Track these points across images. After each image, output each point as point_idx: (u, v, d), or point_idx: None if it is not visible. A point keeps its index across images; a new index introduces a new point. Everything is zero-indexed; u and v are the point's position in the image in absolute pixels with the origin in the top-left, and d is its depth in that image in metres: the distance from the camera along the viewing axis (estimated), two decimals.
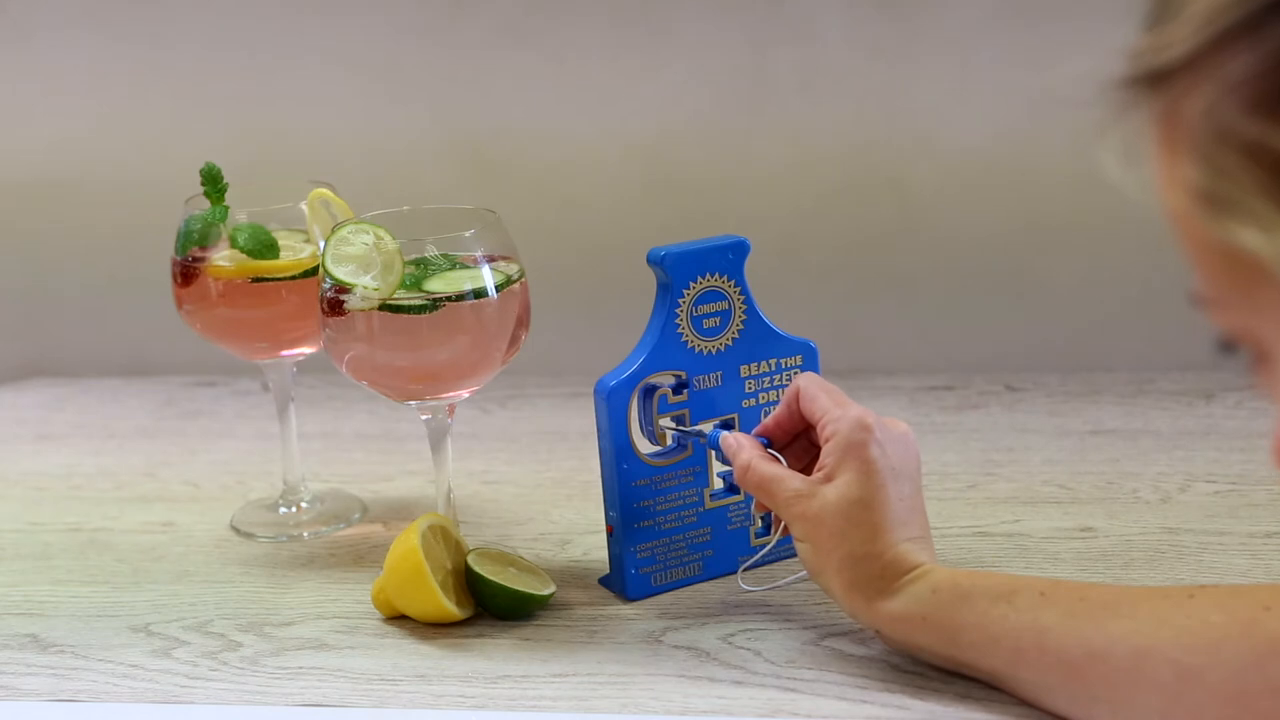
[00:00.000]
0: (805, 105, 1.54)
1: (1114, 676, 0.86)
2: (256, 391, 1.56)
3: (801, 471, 1.02)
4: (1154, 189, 0.61)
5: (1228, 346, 0.62)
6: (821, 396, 1.02)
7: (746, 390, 1.12)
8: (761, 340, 1.12)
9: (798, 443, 1.06)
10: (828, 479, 0.99)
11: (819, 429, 1.01)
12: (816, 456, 1.01)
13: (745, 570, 1.10)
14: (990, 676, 0.93)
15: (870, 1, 1.51)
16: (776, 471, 1.02)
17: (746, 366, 1.12)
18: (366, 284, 1.07)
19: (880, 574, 0.97)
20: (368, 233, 1.08)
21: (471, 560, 1.08)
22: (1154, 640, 0.85)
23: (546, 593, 1.08)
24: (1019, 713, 0.92)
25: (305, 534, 1.25)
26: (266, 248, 1.19)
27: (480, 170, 1.59)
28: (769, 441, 1.06)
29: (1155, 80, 0.58)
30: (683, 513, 1.11)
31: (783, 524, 1.04)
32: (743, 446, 1.04)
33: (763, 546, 1.13)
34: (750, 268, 1.11)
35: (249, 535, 1.25)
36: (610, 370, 1.09)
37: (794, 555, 1.12)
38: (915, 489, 1.00)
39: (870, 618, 0.97)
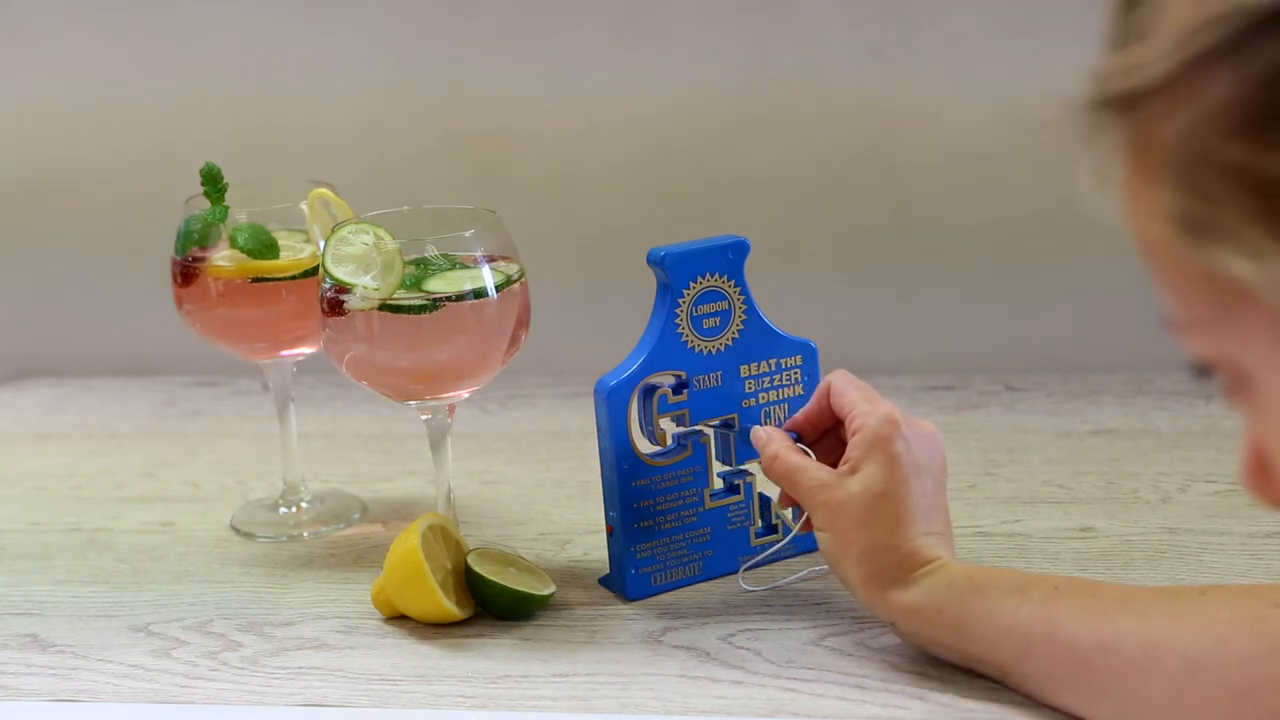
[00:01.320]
0: (805, 105, 1.54)
1: (1122, 669, 0.86)
2: (256, 391, 1.56)
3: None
4: (1124, 214, 0.60)
5: (1203, 372, 0.62)
6: (851, 391, 1.04)
7: (746, 390, 1.12)
8: (761, 340, 1.12)
9: (826, 439, 1.07)
10: (853, 471, 1.00)
11: (847, 423, 1.03)
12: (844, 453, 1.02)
13: (747, 569, 1.10)
14: (1000, 670, 0.93)
15: (871, 1, 1.51)
16: (803, 462, 1.03)
17: (746, 366, 1.12)
18: (366, 284, 1.07)
19: (898, 565, 0.97)
20: (368, 233, 1.08)
21: (471, 560, 1.08)
22: (1163, 634, 0.86)
23: (546, 593, 1.08)
24: (1019, 712, 0.92)
25: (305, 534, 1.25)
26: (266, 248, 1.19)
27: (480, 170, 1.59)
28: (798, 436, 1.07)
29: (1125, 104, 0.57)
30: (683, 513, 1.11)
31: (804, 517, 1.05)
32: (772, 438, 1.06)
33: (763, 547, 1.13)
34: (750, 268, 1.11)
35: (249, 535, 1.25)
36: (610, 370, 1.09)
37: (794, 555, 1.13)
38: (938, 487, 1.01)
39: (885, 609, 0.98)
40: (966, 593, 0.95)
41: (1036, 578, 0.95)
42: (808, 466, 1.03)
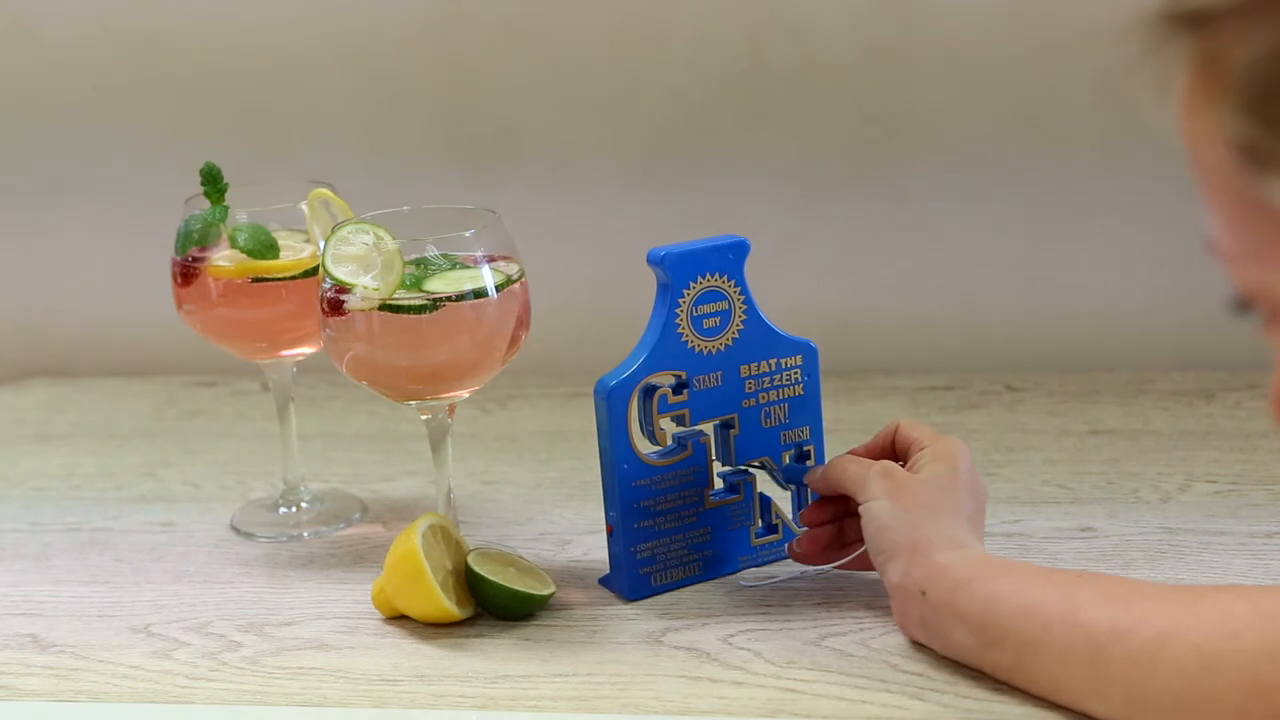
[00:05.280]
0: (805, 103, 1.54)
1: (1136, 656, 0.87)
2: (256, 391, 1.56)
3: None
4: (1180, 132, 0.58)
5: (1242, 306, 0.60)
6: (923, 427, 1.08)
7: (746, 390, 1.12)
8: (761, 340, 1.12)
9: None
10: (914, 471, 1.04)
11: (914, 446, 1.06)
12: None
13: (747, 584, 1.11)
14: (1015, 656, 0.93)
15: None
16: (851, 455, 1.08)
17: (746, 366, 1.12)
18: (366, 284, 1.07)
19: (946, 539, 0.99)
20: (368, 233, 1.08)
21: (471, 560, 1.08)
22: (1177, 624, 0.86)
23: (546, 593, 1.08)
24: (1020, 713, 0.92)
25: (305, 534, 1.25)
26: (266, 248, 1.19)
27: (480, 170, 1.59)
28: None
29: (1198, 20, 0.56)
30: (683, 513, 1.11)
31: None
32: (817, 466, 1.10)
33: (764, 546, 1.13)
34: (750, 268, 1.11)
35: (249, 535, 1.25)
36: (610, 370, 1.09)
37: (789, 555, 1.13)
38: (979, 523, 1.04)
39: (925, 569, 0.98)
40: (998, 571, 0.96)
41: (1065, 569, 0.99)
42: (863, 459, 1.07)
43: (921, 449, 1.06)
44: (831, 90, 1.52)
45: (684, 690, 0.98)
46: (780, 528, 1.14)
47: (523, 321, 1.11)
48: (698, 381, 1.10)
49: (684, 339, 1.10)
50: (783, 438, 1.13)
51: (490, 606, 1.07)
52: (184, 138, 1.60)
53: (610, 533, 1.10)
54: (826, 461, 1.10)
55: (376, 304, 1.07)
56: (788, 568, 1.12)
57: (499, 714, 0.97)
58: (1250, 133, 0.55)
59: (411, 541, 1.07)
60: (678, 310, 1.09)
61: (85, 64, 1.62)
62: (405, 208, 1.14)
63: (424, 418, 1.13)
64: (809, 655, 1.01)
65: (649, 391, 1.09)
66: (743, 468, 1.13)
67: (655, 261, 1.09)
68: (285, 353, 1.23)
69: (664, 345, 1.09)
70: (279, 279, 1.19)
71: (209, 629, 1.10)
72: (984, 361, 1.54)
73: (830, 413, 1.16)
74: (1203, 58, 0.56)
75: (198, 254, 1.21)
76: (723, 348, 1.11)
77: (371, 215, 1.11)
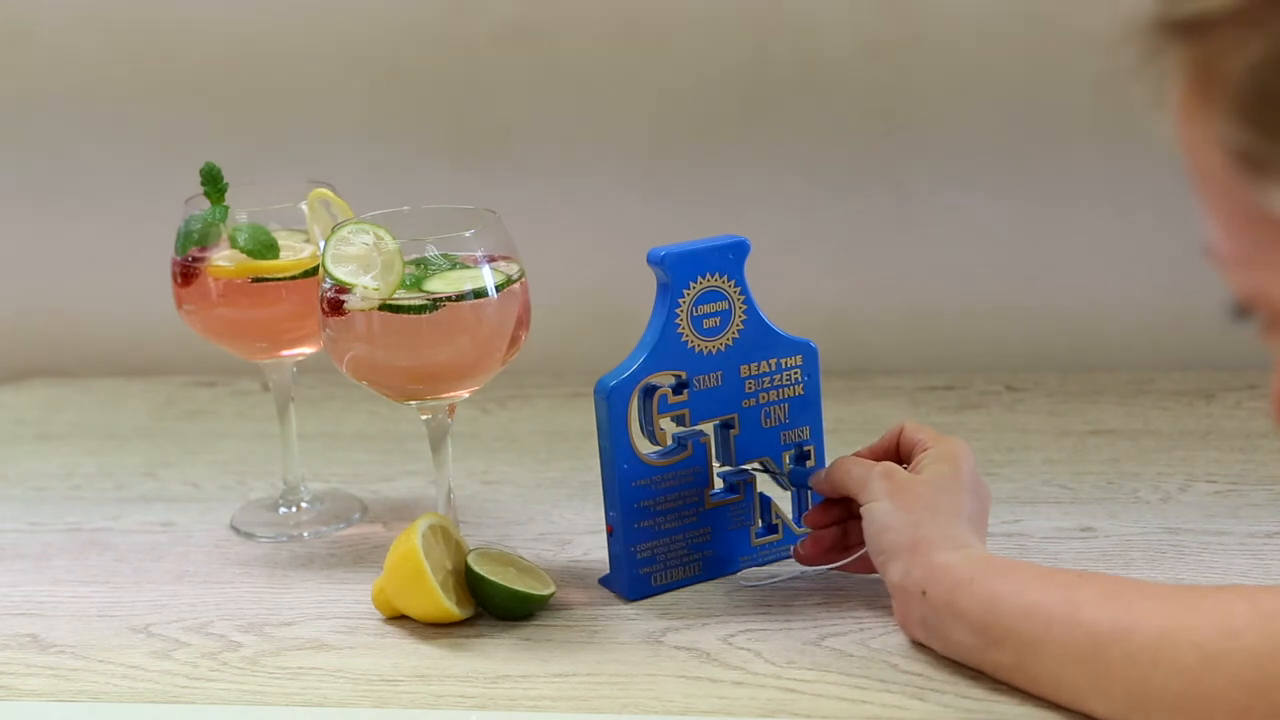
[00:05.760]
0: (806, 103, 1.53)
1: (1137, 655, 0.87)
2: (256, 391, 1.56)
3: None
4: (1177, 139, 0.58)
5: (1241, 311, 0.60)
6: (927, 429, 1.08)
7: (746, 390, 1.12)
8: (761, 340, 1.12)
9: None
10: (917, 472, 1.04)
11: (918, 447, 1.07)
12: None
13: (751, 566, 1.11)
14: (1016, 656, 0.93)
15: None
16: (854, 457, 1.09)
17: (746, 366, 1.12)
18: (366, 284, 1.07)
19: (948, 539, 0.99)
20: (368, 233, 1.08)
21: (471, 560, 1.08)
22: (1178, 623, 0.86)
23: (546, 593, 1.08)
24: (1020, 714, 0.92)
25: (305, 534, 1.25)
26: (266, 248, 1.19)
27: (480, 170, 1.59)
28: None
29: (1192, 28, 0.56)
30: (683, 513, 1.11)
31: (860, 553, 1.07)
32: (821, 468, 1.11)
33: (764, 546, 1.13)
34: (750, 268, 1.11)
35: (249, 535, 1.25)
36: (610, 370, 1.09)
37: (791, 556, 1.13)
38: (981, 524, 1.04)
39: (926, 569, 0.98)
40: (999, 571, 0.96)
41: (1067, 570, 1.00)
42: (864, 459, 1.07)
43: (925, 450, 1.06)
44: (832, 89, 1.52)
45: (684, 690, 0.98)
46: (780, 528, 1.14)
47: (523, 321, 1.11)
48: (698, 381, 1.10)
49: (684, 339, 1.10)
50: (783, 438, 1.13)
51: (490, 606, 1.07)
52: (184, 138, 1.60)
53: (610, 533, 1.10)
54: (829, 463, 1.10)
55: (376, 304, 1.07)
56: (788, 568, 1.12)
57: (499, 714, 0.97)
58: (1247, 139, 0.55)
59: (411, 541, 1.07)
60: (678, 310, 1.09)
61: (85, 63, 1.62)
62: (405, 208, 1.14)
63: (424, 418, 1.13)
64: (809, 655, 1.01)
65: (649, 391, 1.09)
66: (743, 468, 1.13)
67: (655, 261, 1.09)
68: (285, 353, 1.23)
69: (664, 345, 1.09)
70: (279, 279, 1.19)
71: (209, 629, 1.10)
72: (984, 361, 1.54)
73: (830, 413, 1.16)
74: (1198, 65, 0.56)
75: (198, 254, 1.21)
76: (723, 348, 1.11)
77: (371, 215, 1.11)
